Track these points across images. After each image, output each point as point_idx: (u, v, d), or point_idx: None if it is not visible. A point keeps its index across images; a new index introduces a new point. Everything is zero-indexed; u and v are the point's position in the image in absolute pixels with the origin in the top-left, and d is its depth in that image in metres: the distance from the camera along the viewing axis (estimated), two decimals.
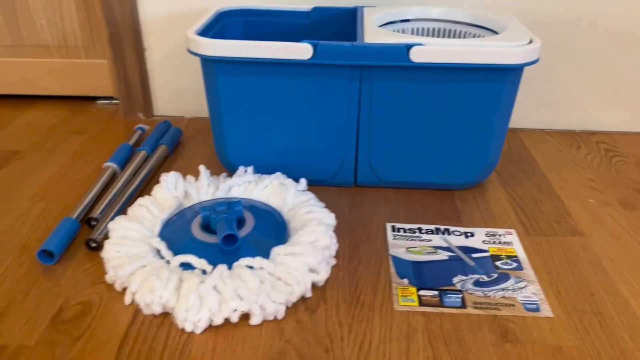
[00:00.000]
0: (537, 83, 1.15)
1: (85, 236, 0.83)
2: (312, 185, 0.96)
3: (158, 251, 0.74)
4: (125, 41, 1.15)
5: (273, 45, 0.82)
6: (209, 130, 1.18)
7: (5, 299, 0.70)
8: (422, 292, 0.72)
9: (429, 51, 0.80)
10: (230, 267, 0.70)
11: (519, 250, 0.80)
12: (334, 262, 0.77)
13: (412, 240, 0.82)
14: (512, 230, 0.85)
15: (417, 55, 0.81)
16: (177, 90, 1.22)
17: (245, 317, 0.67)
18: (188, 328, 0.65)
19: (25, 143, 1.12)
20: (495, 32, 0.94)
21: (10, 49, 1.26)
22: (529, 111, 1.18)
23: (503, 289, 0.72)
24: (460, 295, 0.71)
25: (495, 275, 0.75)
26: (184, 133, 1.17)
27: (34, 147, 1.11)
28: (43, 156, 1.07)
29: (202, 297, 0.65)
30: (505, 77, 0.83)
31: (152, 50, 1.17)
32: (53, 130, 1.18)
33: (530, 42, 0.83)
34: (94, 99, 1.33)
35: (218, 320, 0.65)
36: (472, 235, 0.84)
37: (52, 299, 0.71)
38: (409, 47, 0.81)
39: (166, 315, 0.68)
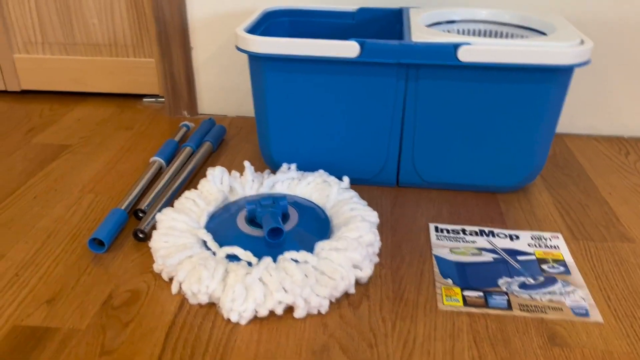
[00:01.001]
0: (583, 87, 1.13)
1: (132, 227, 0.85)
2: (354, 184, 0.96)
3: (204, 242, 0.75)
4: (172, 40, 1.18)
5: (320, 42, 0.83)
6: (252, 129, 1.20)
7: (58, 284, 0.73)
8: (466, 293, 0.71)
9: (477, 50, 0.80)
10: (275, 260, 0.71)
11: (565, 254, 0.79)
12: (377, 259, 0.77)
13: (456, 241, 0.82)
14: (559, 234, 0.83)
15: (465, 55, 0.80)
16: (221, 89, 1.24)
17: (289, 309, 0.68)
18: (233, 318, 0.66)
19: (75, 137, 1.16)
20: (544, 34, 0.93)
21: (62, 47, 1.31)
22: (575, 116, 1.16)
23: (550, 292, 0.71)
24: (506, 297, 0.70)
25: (541, 279, 0.74)
26: (228, 131, 1.19)
27: (83, 141, 1.14)
28: (92, 150, 1.10)
29: (248, 288, 0.66)
30: (555, 78, 0.82)
31: (198, 49, 1.20)
32: (101, 126, 1.21)
33: (582, 42, 0.82)
34: (141, 96, 1.36)
35: (263, 312, 0.66)
36: (517, 238, 0.82)
37: (102, 285, 0.73)
38: (456, 46, 0.80)
39: (212, 306, 0.69)
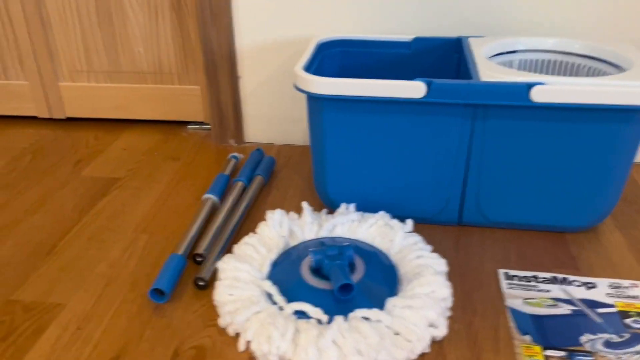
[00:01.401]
0: None
1: (191, 272, 0.83)
2: (414, 223, 0.93)
3: (269, 295, 0.73)
4: (220, 69, 1.16)
5: (385, 83, 0.79)
6: (300, 158, 1.17)
7: (122, 339, 0.71)
8: (548, 352, 0.67)
9: (552, 91, 0.76)
10: (345, 317, 0.68)
11: None
12: (449, 313, 0.73)
13: (529, 290, 0.78)
14: (639, 283, 0.79)
15: (538, 95, 0.76)
16: (267, 117, 1.21)
17: None
18: None
19: (123, 169, 1.15)
20: (615, 65, 0.88)
21: (107, 75, 1.30)
22: None
23: (638, 352, 0.67)
24: (592, 358, 0.66)
25: (627, 336, 0.70)
26: (276, 161, 1.16)
27: (131, 173, 1.13)
28: (141, 184, 1.09)
29: (322, 350, 0.64)
30: (633, 118, 0.77)
31: (245, 77, 1.18)
32: (148, 156, 1.20)
33: None
34: (185, 123, 1.35)
35: None
36: (594, 286, 0.78)
37: (166, 341, 0.71)
38: (530, 86, 0.76)
39: None
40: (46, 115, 1.37)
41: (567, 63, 0.95)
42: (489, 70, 0.81)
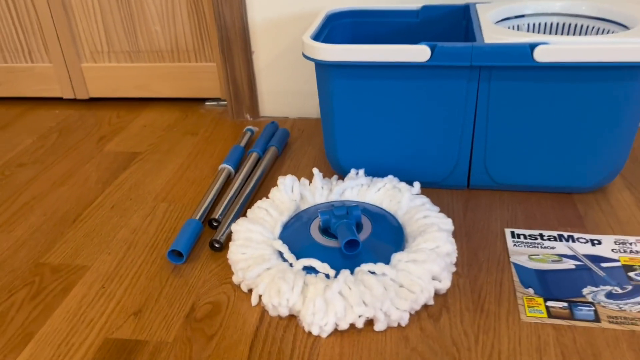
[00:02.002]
0: None
1: (207, 236, 0.87)
2: (423, 188, 0.95)
3: (280, 253, 0.76)
4: (234, 45, 1.19)
5: (389, 48, 0.81)
6: (314, 131, 1.20)
7: (142, 296, 0.75)
8: (550, 303, 0.69)
9: (555, 50, 0.77)
10: (352, 272, 0.71)
11: None
12: (454, 269, 0.75)
13: (534, 247, 0.79)
14: None
15: (541, 55, 0.77)
16: (282, 91, 1.24)
17: (369, 323, 0.68)
18: (315, 332, 0.67)
19: (144, 144, 1.19)
20: (624, 26, 0.88)
21: (127, 55, 1.34)
22: None
23: None
24: (593, 308, 0.68)
25: (629, 287, 0.71)
26: (290, 133, 1.19)
27: (152, 148, 1.17)
28: (161, 157, 1.13)
29: (328, 301, 0.67)
30: (638, 75, 0.78)
31: (259, 53, 1.21)
32: (167, 132, 1.24)
33: None
34: (202, 100, 1.39)
35: (344, 325, 0.66)
36: (599, 242, 0.79)
37: (183, 297, 0.75)
38: (533, 46, 0.77)
39: (291, 318, 0.70)
40: (71, 96, 1.42)
41: (575, 25, 0.95)
42: (493, 33, 0.82)
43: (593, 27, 0.93)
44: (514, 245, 0.80)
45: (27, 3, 1.31)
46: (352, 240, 0.72)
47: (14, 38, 1.37)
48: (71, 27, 1.33)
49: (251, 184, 0.96)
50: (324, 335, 0.67)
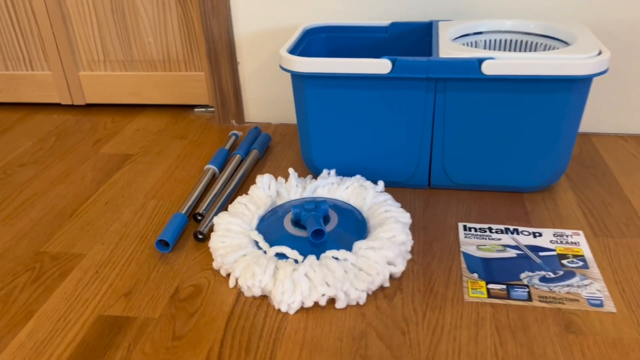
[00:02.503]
0: (610, 88, 1.17)
1: (192, 229, 0.96)
2: (389, 187, 1.05)
3: (256, 242, 0.86)
4: (221, 55, 1.29)
5: (356, 61, 0.91)
6: (294, 135, 1.30)
7: (132, 280, 0.84)
8: (490, 286, 0.79)
9: (500, 64, 0.87)
10: (318, 258, 0.80)
11: (585, 250, 0.85)
12: (409, 256, 0.85)
13: (483, 239, 0.89)
14: (580, 232, 0.90)
15: (488, 69, 0.88)
16: (265, 99, 1.34)
17: (331, 301, 0.77)
18: (283, 309, 0.76)
19: (136, 147, 1.29)
20: (566, 43, 0.99)
21: (122, 64, 1.44)
22: (602, 116, 1.20)
23: (568, 285, 0.78)
24: (527, 290, 0.78)
25: (561, 273, 0.81)
26: (272, 138, 1.29)
27: (144, 150, 1.27)
28: (152, 159, 1.23)
29: (295, 282, 0.76)
30: (574, 87, 0.88)
31: (244, 63, 1.31)
32: (159, 136, 1.34)
33: (600, 53, 0.88)
34: (192, 107, 1.48)
35: (309, 303, 0.76)
36: (540, 235, 0.89)
37: (169, 281, 0.84)
38: (480, 60, 0.88)
39: (264, 298, 0.79)
40: (68, 102, 1.51)
41: (526, 42, 1.06)
42: (448, 48, 0.93)
43: (540, 44, 1.04)
44: (465, 237, 0.90)
45: (29, 14, 1.41)
46: (318, 230, 0.82)
47: (16, 47, 1.46)
48: (69, 37, 1.42)
49: (233, 183, 1.05)
50: (292, 312, 0.76)
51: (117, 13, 1.37)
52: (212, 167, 1.11)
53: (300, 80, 0.97)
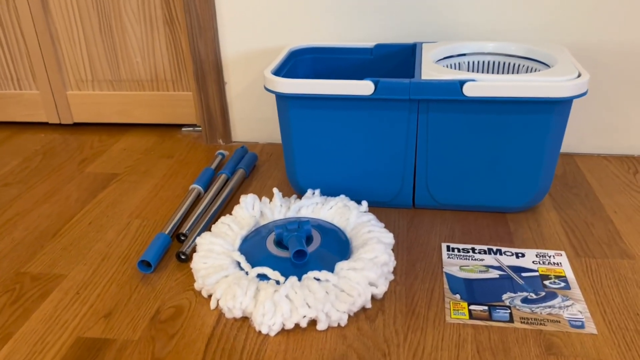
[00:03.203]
0: (593, 108, 1.19)
1: (175, 249, 0.96)
2: (373, 207, 1.05)
3: (238, 263, 0.85)
4: (208, 76, 1.30)
5: (339, 83, 0.92)
6: (281, 155, 1.30)
7: (113, 301, 0.84)
8: (472, 307, 0.79)
9: (481, 86, 0.88)
10: (300, 279, 0.80)
11: (567, 270, 0.86)
12: (392, 277, 0.85)
13: (466, 259, 0.89)
14: (562, 252, 0.90)
15: (470, 90, 0.88)
16: (252, 118, 1.35)
17: (312, 323, 0.77)
18: (264, 331, 0.75)
19: (122, 166, 1.29)
20: (547, 65, 1.00)
21: (110, 83, 1.44)
22: (585, 136, 1.22)
23: (550, 306, 0.78)
24: (509, 311, 0.78)
25: (543, 294, 0.81)
26: (259, 157, 1.29)
27: (129, 170, 1.27)
28: (137, 178, 1.23)
29: (276, 304, 0.76)
30: (554, 109, 0.89)
31: (231, 83, 1.31)
32: (145, 155, 1.34)
33: (579, 75, 0.89)
34: (179, 126, 1.49)
35: (289, 325, 0.75)
36: (523, 255, 0.90)
37: (150, 302, 0.83)
38: (462, 82, 0.89)
39: (245, 320, 0.79)
40: (56, 121, 1.51)
41: (508, 63, 1.07)
42: (430, 70, 0.94)
43: (522, 65, 1.05)
44: (448, 257, 0.90)
45: (17, 34, 1.41)
46: (300, 251, 0.82)
47: (4, 66, 1.47)
48: (58, 57, 1.43)
49: (218, 203, 1.05)
50: (272, 333, 0.76)
51: (105, 33, 1.38)
52: (197, 187, 1.11)
53: (284, 101, 0.98)
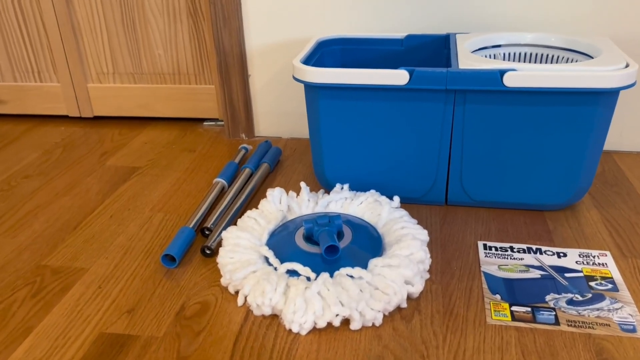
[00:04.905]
0: (633, 105, 1.14)
1: (199, 244, 0.92)
2: (404, 204, 1.01)
3: (266, 258, 0.82)
4: (232, 68, 1.27)
5: (372, 72, 0.88)
6: (305, 150, 1.27)
7: (136, 296, 0.81)
8: (514, 308, 0.74)
9: (523, 76, 0.84)
10: (332, 276, 0.76)
11: (614, 271, 0.81)
12: (427, 275, 0.81)
13: (504, 258, 0.85)
14: (607, 252, 0.85)
15: (510, 80, 0.84)
16: (276, 113, 1.31)
17: (346, 322, 0.73)
18: (294, 329, 0.72)
19: (144, 160, 1.26)
20: (590, 57, 0.95)
21: (131, 76, 1.42)
22: (624, 134, 1.17)
23: (598, 309, 0.74)
24: (554, 313, 0.73)
25: (589, 295, 0.76)
26: (283, 152, 1.26)
27: (151, 163, 1.24)
28: (159, 172, 1.20)
29: (308, 301, 0.72)
30: (600, 100, 0.84)
31: (255, 76, 1.28)
32: (167, 149, 1.31)
33: (627, 66, 0.84)
34: (201, 120, 1.46)
35: (321, 324, 0.71)
36: (565, 255, 0.85)
37: (174, 297, 0.80)
38: (502, 72, 0.84)
39: (274, 317, 0.75)
40: (76, 114, 1.49)
41: (546, 55, 1.02)
42: (467, 60, 0.89)
43: (562, 57, 1.00)
44: (485, 256, 0.86)
45: (39, 25, 1.40)
46: (332, 246, 0.78)
47: (25, 59, 1.45)
48: (79, 49, 1.41)
49: (242, 197, 1.02)
50: (303, 332, 0.72)
51: (127, 25, 1.36)
52: (221, 181, 1.08)
53: (313, 91, 0.94)
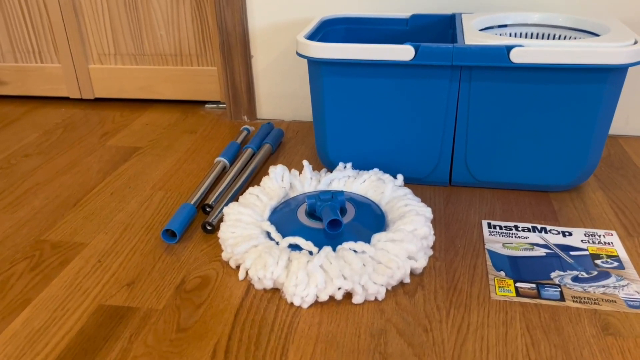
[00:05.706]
0: (638, 89, 1.13)
1: (200, 221, 0.91)
2: (408, 184, 1.00)
3: (268, 234, 0.81)
4: (234, 49, 1.25)
5: (377, 47, 0.87)
6: (308, 132, 1.26)
7: (136, 270, 0.80)
8: (519, 284, 0.73)
9: (530, 52, 0.82)
10: (334, 250, 0.75)
11: (620, 250, 0.80)
12: (431, 252, 0.80)
13: (509, 237, 0.84)
14: (613, 232, 0.84)
15: (517, 56, 0.83)
16: (278, 95, 1.30)
17: (348, 296, 0.72)
18: (296, 302, 0.71)
19: (145, 140, 1.25)
20: (596, 35, 0.94)
21: (133, 58, 1.41)
22: (630, 117, 1.15)
23: (604, 286, 0.73)
24: (559, 289, 0.72)
25: (595, 273, 0.75)
26: (285, 134, 1.25)
27: (152, 144, 1.23)
28: (160, 152, 1.19)
29: (310, 274, 0.71)
30: (609, 77, 0.83)
31: (257, 57, 1.27)
32: (168, 130, 1.30)
33: (635, 42, 0.83)
34: (203, 102, 1.45)
35: (323, 297, 0.71)
36: (570, 234, 0.84)
37: (174, 272, 0.79)
38: (509, 48, 0.83)
39: (276, 291, 0.74)
40: (77, 96, 1.48)
41: (554, 35, 1.01)
42: (474, 36, 0.88)
43: (570, 37, 0.99)
44: (490, 234, 0.85)
45: (40, 6, 1.38)
46: (334, 220, 0.77)
47: (26, 39, 1.44)
48: (80, 30, 1.39)
49: (244, 176, 1.01)
50: (305, 306, 0.71)
51: (129, 5, 1.34)
52: (222, 160, 1.07)
53: (317, 67, 0.93)
